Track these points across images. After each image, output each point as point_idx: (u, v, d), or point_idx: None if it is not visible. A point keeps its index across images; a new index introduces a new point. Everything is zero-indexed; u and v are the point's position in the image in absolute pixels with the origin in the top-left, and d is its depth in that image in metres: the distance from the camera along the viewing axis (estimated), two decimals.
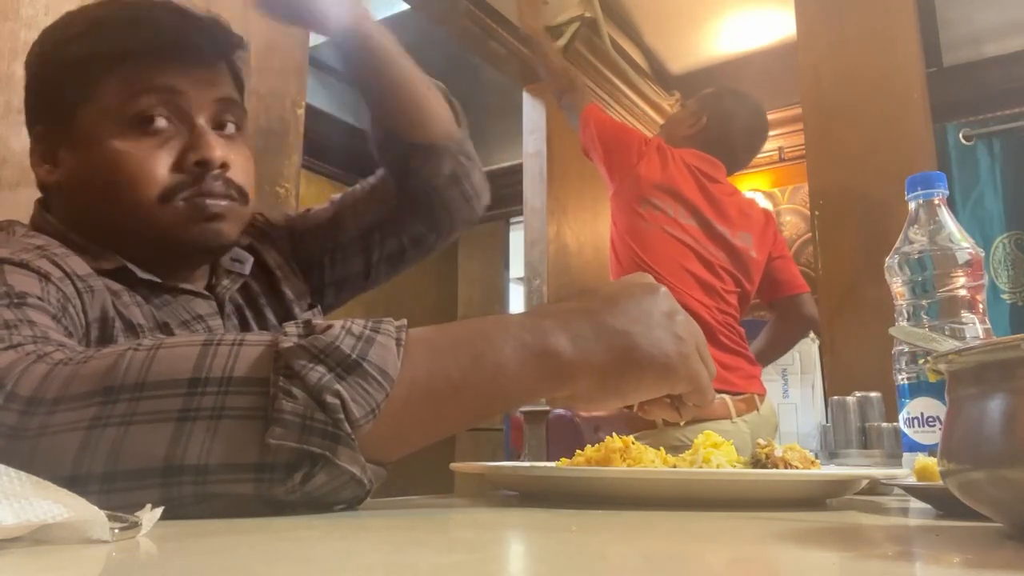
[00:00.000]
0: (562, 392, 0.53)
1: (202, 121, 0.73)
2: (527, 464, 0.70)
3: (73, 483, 0.41)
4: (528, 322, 0.52)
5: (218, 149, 0.72)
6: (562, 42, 3.21)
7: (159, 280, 0.73)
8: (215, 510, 0.45)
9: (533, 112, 3.31)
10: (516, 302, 4.72)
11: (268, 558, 0.33)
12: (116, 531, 0.34)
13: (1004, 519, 0.38)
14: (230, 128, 0.76)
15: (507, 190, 3.42)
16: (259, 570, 0.30)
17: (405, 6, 2.94)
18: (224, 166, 0.73)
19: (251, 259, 0.85)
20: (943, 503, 0.53)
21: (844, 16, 2.70)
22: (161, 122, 0.71)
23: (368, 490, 0.48)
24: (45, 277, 0.62)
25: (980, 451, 0.36)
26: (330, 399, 0.44)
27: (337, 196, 0.96)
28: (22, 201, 1.41)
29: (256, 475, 0.44)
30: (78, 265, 0.67)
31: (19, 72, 1.39)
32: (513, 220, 4.47)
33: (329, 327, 0.47)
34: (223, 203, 0.73)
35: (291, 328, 0.48)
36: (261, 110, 1.83)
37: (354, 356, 0.45)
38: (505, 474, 0.66)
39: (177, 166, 0.71)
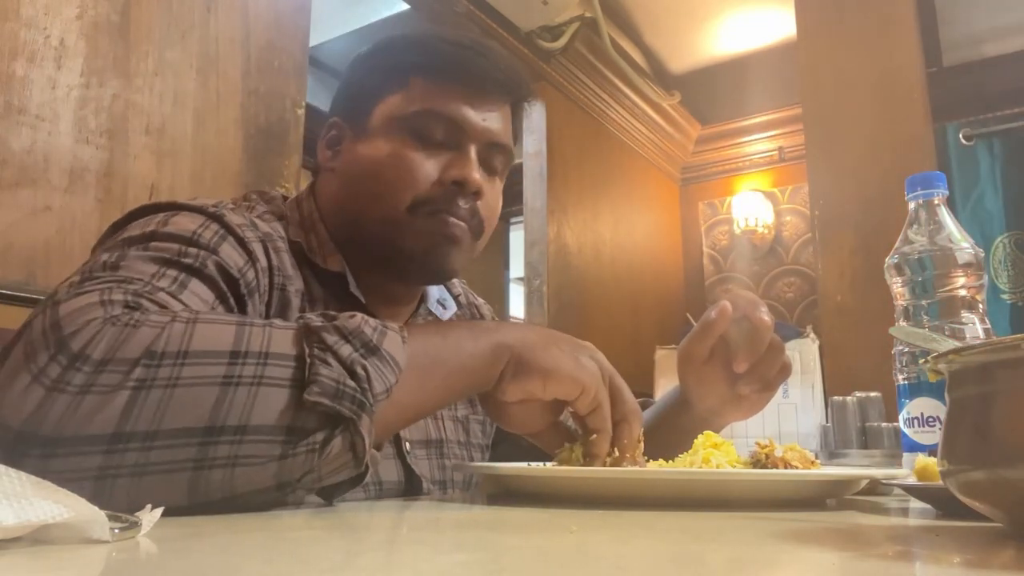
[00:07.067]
0: (496, 370, 0.60)
1: (472, 151, 0.77)
2: (527, 464, 0.70)
3: (114, 440, 0.44)
4: (467, 323, 0.62)
5: (476, 174, 0.76)
6: (562, 42, 3.22)
7: (363, 300, 0.77)
8: (218, 506, 0.47)
9: (533, 112, 3.29)
10: (516, 302, 4.73)
11: (268, 558, 0.33)
12: (116, 531, 0.34)
13: (1004, 519, 0.38)
14: (493, 170, 0.81)
15: (507, 190, 3.42)
16: (259, 570, 0.30)
17: (405, 6, 2.95)
18: (477, 193, 0.77)
19: (455, 309, 0.89)
20: (943, 503, 0.53)
21: (844, 16, 2.70)
22: (438, 141, 0.76)
23: (364, 473, 0.51)
24: (253, 260, 0.68)
25: (980, 451, 0.36)
26: (359, 370, 0.49)
27: None
28: (22, 201, 1.40)
29: (287, 437, 0.47)
30: (286, 264, 0.73)
31: (19, 72, 1.38)
32: (513, 220, 4.47)
33: (352, 316, 0.52)
34: (462, 224, 0.76)
35: (314, 316, 0.53)
36: (261, 110, 1.83)
37: (374, 341, 0.52)
38: (504, 474, 0.66)
39: (436, 182, 0.75)
